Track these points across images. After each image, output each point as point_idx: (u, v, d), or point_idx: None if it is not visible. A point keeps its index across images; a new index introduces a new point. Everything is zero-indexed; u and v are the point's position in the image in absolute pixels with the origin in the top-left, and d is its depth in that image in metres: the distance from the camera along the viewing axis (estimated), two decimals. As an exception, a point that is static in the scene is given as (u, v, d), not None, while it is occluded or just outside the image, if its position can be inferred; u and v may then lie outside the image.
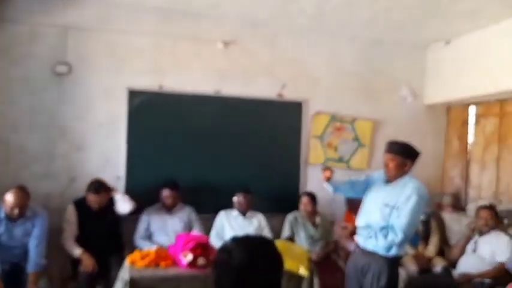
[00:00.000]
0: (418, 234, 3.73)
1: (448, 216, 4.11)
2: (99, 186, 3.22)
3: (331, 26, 4.07)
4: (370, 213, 2.58)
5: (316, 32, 4.21)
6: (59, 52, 3.63)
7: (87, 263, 3.05)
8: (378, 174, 2.73)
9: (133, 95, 3.76)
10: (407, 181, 2.51)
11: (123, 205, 3.30)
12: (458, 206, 4.31)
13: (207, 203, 3.78)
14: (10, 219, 2.89)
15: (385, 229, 2.44)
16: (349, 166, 4.34)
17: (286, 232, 3.67)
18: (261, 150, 4.08)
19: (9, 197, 2.82)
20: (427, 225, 3.81)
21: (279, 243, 3.19)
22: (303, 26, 4.08)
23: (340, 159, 4.33)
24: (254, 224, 3.64)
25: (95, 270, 3.06)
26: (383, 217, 2.48)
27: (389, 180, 2.57)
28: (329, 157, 4.29)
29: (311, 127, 4.26)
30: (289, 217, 3.74)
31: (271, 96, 4.16)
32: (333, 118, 4.32)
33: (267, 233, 3.64)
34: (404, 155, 2.52)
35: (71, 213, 3.22)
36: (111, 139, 3.74)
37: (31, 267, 2.89)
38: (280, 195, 4.06)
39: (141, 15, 3.79)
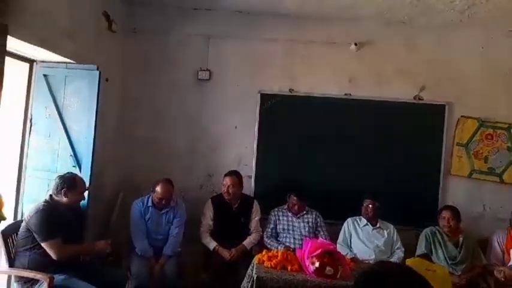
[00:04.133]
0: None
1: None
2: (232, 170, 3.55)
3: (482, 19, 3.59)
4: None
5: (464, 26, 3.77)
6: (201, 59, 3.98)
7: (224, 254, 3.26)
8: None
9: (264, 98, 3.89)
10: None
11: None
12: None
13: (332, 209, 3.67)
14: (156, 207, 3.30)
15: None
16: (503, 180, 3.73)
17: (422, 249, 3.30)
18: (394, 157, 3.80)
19: (159, 189, 3.27)
20: None
21: (416, 261, 2.89)
22: (448, 21, 3.68)
23: (490, 171, 3.75)
24: (384, 236, 3.39)
25: (232, 259, 3.23)
26: None
27: None
28: (476, 168, 3.76)
29: (455, 133, 3.80)
30: (427, 232, 3.36)
31: (408, 99, 3.84)
32: (483, 123, 3.76)
33: (399, 247, 3.35)
34: None
35: (208, 208, 3.48)
36: (243, 141, 3.94)
37: (168, 250, 3.27)
38: (414, 208, 3.70)
39: (275, 22, 3.91)
